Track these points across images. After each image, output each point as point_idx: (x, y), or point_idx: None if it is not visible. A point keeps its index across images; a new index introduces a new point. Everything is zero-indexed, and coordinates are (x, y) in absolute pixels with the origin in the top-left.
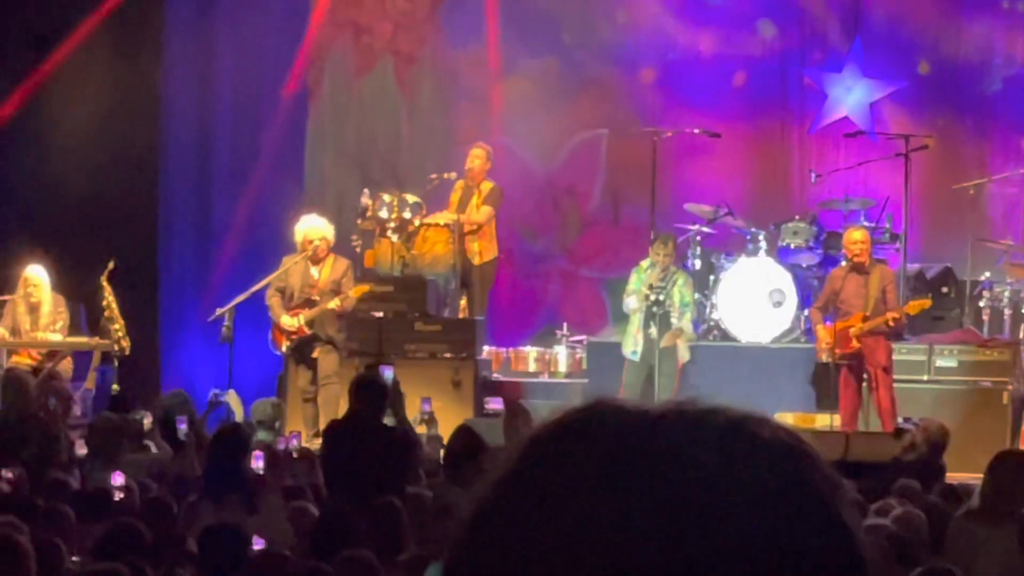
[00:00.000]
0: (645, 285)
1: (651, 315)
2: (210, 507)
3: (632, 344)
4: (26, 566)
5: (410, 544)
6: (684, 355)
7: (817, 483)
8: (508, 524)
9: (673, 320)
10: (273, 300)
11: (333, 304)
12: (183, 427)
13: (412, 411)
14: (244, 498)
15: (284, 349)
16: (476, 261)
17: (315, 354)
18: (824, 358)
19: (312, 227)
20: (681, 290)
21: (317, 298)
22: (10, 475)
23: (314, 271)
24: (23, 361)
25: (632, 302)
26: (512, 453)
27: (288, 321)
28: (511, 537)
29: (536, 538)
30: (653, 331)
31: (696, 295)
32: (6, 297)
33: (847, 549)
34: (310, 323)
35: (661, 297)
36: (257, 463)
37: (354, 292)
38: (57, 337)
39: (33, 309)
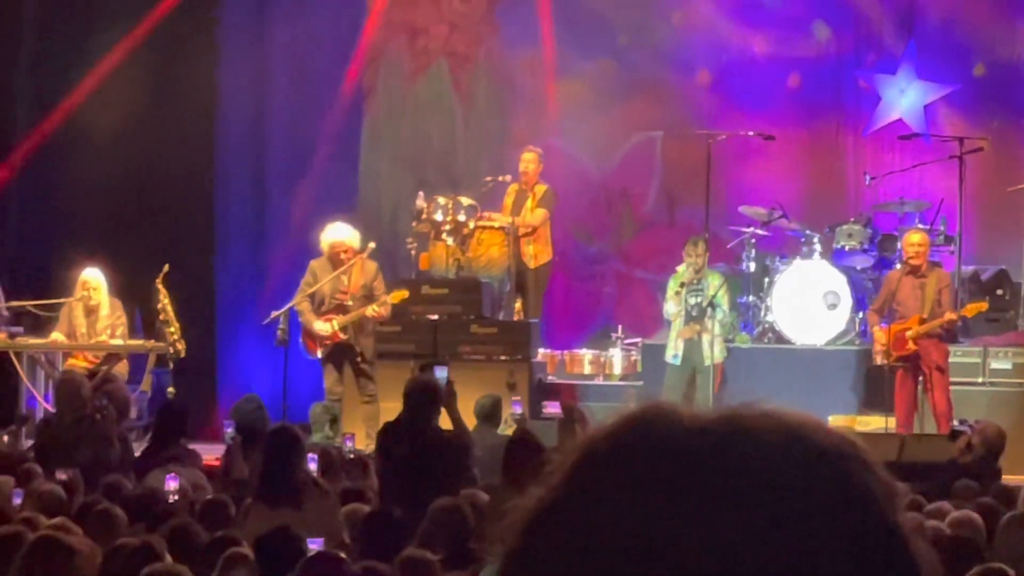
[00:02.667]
0: (679, 286)
1: (689, 317)
2: (263, 509)
3: (673, 348)
4: (77, 567)
5: (466, 546)
6: (718, 355)
7: (872, 489)
8: (563, 530)
9: (705, 318)
10: (303, 306)
11: (370, 311)
12: (229, 430)
13: (467, 413)
14: (297, 500)
15: (318, 354)
16: (531, 264)
17: (350, 365)
18: (880, 360)
19: (337, 236)
20: (716, 290)
21: (349, 303)
22: (64, 477)
23: (344, 277)
24: (79, 364)
25: (671, 307)
26: (568, 458)
27: (321, 326)
28: (566, 543)
29: (591, 545)
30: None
31: (750, 296)
32: (63, 300)
33: (902, 555)
34: (343, 328)
35: (698, 299)
36: (310, 465)
37: (393, 297)
38: (113, 341)
39: (91, 312)
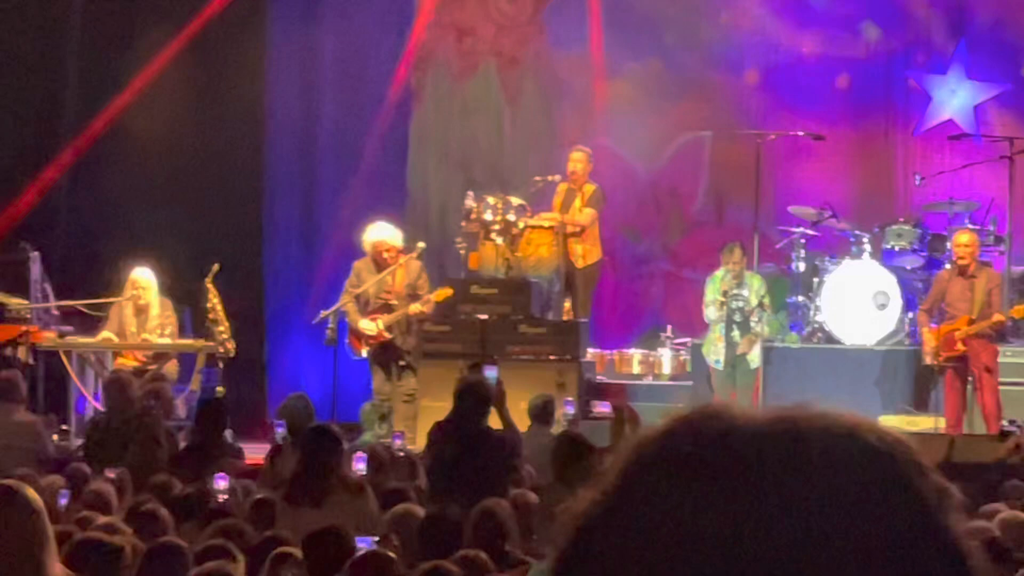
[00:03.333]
0: (720, 293)
1: (731, 322)
2: (297, 508)
3: (715, 352)
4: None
5: (514, 546)
6: (754, 361)
7: (925, 491)
8: (615, 532)
9: (752, 323)
10: (349, 306)
11: (413, 308)
12: (280, 430)
13: (515, 413)
14: (333, 499)
15: (364, 354)
16: (580, 264)
17: (395, 364)
18: (929, 361)
19: (379, 236)
20: (757, 293)
21: (395, 303)
22: (113, 476)
23: (388, 276)
24: (128, 363)
25: (711, 312)
26: (620, 460)
27: (367, 325)
28: (618, 545)
29: (643, 547)
30: (736, 336)
31: (800, 296)
32: (113, 299)
33: (954, 558)
34: (389, 328)
35: (740, 304)
36: (359, 465)
37: (436, 295)
38: (162, 340)
39: (140, 312)
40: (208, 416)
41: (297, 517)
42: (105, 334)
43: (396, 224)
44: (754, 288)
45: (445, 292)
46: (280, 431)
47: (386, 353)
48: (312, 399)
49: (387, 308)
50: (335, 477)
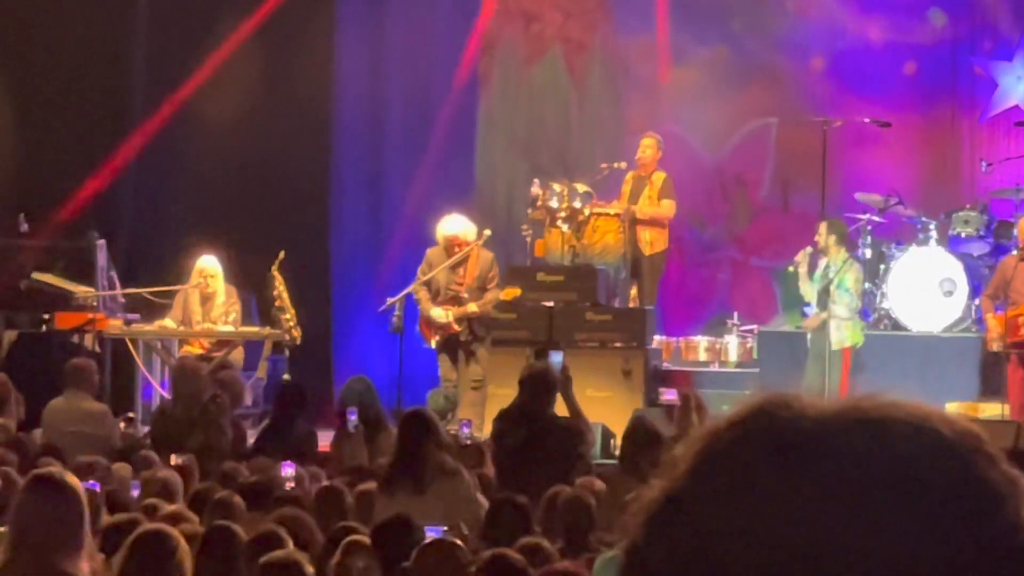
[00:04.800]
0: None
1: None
2: (395, 494)
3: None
4: (178, 560)
5: (584, 536)
6: (847, 340)
7: (997, 483)
8: (686, 523)
9: (830, 302)
10: (421, 294)
11: (472, 308)
12: (353, 417)
13: (582, 399)
14: (430, 484)
15: (433, 343)
16: (647, 251)
17: (463, 351)
18: (995, 347)
19: (450, 230)
20: (839, 273)
21: (465, 295)
22: (179, 461)
23: (460, 268)
24: (194, 350)
25: (802, 287)
26: (689, 450)
27: (439, 314)
28: (689, 536)
29: (714, 537)
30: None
31: (866, 283)
32: (178, 287)
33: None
34: (459, 320)
35: (824, 282)
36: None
37: (506, 294)
38: (228, 328)
39: (206, 299)
40: (288, 400)
41: (397, 505)
42: (167, 321)
43: (463, 211)
44: (839, 267)
45: (514, 291)
46: (353, 419)
47: (455, 342)
48: (378, 386)
49: (457, 299)
50: (433, 462)
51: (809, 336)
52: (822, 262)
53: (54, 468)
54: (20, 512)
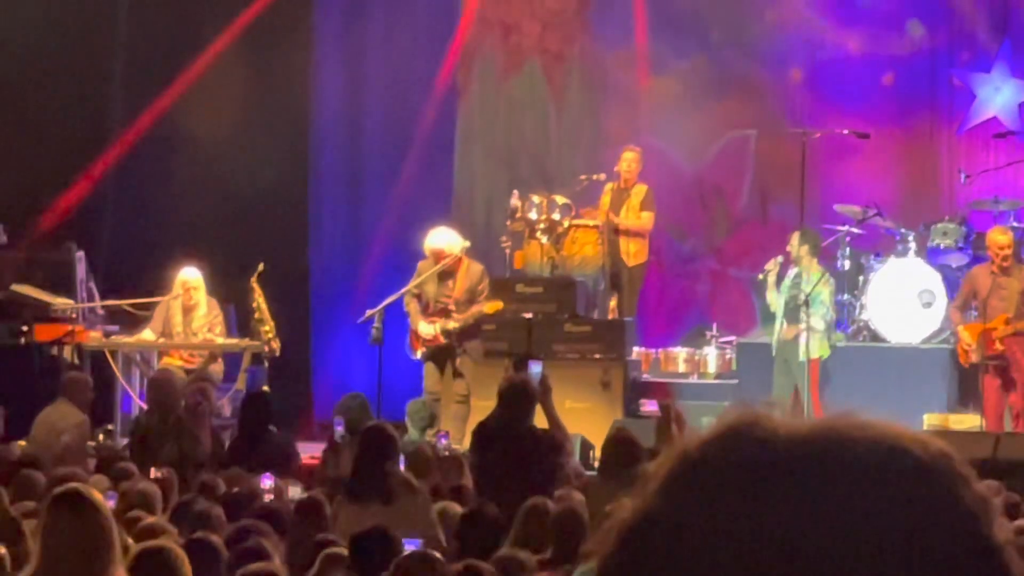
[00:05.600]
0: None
1: (787, 310)
2: (354, 508)
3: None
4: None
5: (558, 546)
6: (813, 351)
7: (970, 505)
8: (658, 540)
9: (801, 314)
10: (411, 306)
11: (451, 325)
12: (340, 429)
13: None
14: (388, 498)
15: (419, 355)
16: (629, 262)
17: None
18: (973, 358)
19: (436, 244)
20: (815, 285)
21: (453, 308)
22: (158, 475)
23: (449, 281)
24: (173, 362)
25: (769, 296)
26: (663, 467)
27: (425, 328)
28: (661, 553)
29: (686, 555)
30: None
31: (845, 294)
32: (159, 299)
33: (998, 568)
34: (447, 334)
35: (795, 293)
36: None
37: (488, 307)
38: (211, 339)
39: (188, 311)
40: (252, 410)
41: (355, 516)
42: (146, 333)
43: (442, 223)
44: (812, 280)
45: (496, 305)
46: (339, 429)
47: (442, 354)
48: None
49: (445, 312)
50: (392, 476)
51: (775, 348)
52: (791, 271)
53: (74, 484)
54: (48, 533)
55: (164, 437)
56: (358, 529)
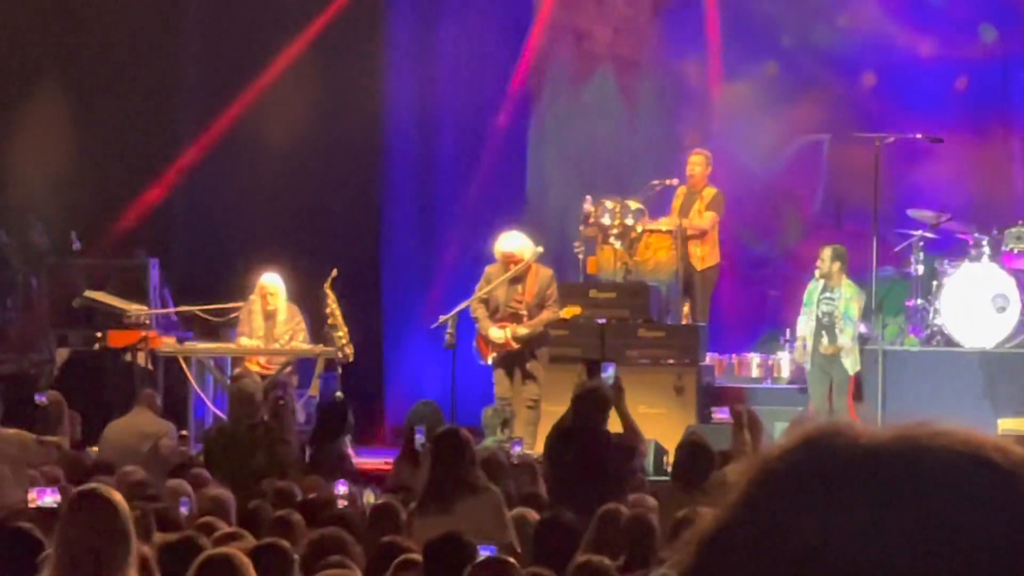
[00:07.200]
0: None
1: (821, 327)
2: (429, 514)
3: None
4: None
5: (631, 552)
6: (850, 367)
7: None
8: (738, 549)
9: (837, 332)
10: (479, 312)
11: (521, 331)
12: (420, 437)
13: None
14: (463, 504)
15: (489, 360)
16: (699, 266)
17: (519, 370)
18: None
19: (506, 248)
20: (847, 301)
21: (524, 312)
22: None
23: (519, 285)
24: (253, 368)
25: (801, 320)
26: (744, 477)
27: (496, 333)
28: (741, 563)
29: (766, 565)
30: (824, 343)
31: (919, 299)
32: (232, 305)
33: None
34: (518, 339)
35: (829, 308)
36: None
37: (565, 312)
38: (292, 346)
39: (268, 317)
40: (330, 420)
41: (429, 522)
42: (241, 339)
43: (514, 228)
44: (845, 296)
45: (573, 310)
46: (419, 437)
47: (511, 359)
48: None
49: (516, 317)
50: (467, 482)
51: (808, 364)
52: (816, 285)
53: (96, 483)
54: (65, 528)
55: (246, 446)
56: (432, 535)
